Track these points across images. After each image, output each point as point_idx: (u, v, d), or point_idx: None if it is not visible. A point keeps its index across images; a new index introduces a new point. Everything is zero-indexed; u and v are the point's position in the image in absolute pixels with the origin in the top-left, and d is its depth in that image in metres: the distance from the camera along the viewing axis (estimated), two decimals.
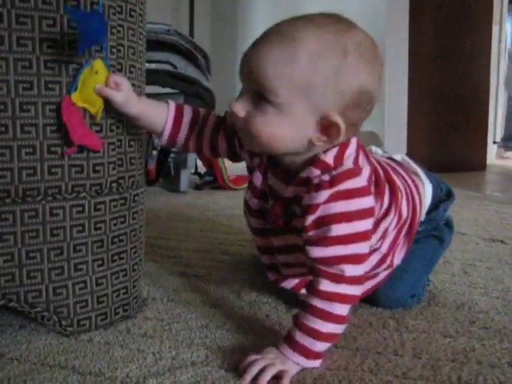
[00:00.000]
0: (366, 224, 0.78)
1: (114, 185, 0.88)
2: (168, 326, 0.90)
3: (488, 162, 3.48)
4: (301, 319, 0.77)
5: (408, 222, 0.95)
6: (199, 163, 2.52)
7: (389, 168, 0.93)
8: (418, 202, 0.97)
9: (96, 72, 0.79)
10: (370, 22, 2.97)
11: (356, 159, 0.80)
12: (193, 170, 2.47)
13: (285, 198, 0.84)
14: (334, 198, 0.76)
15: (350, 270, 0.76)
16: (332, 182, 0.76)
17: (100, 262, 0.87)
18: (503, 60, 3.74)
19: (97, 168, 0.85)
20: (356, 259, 0.78)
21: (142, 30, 0.93)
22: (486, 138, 3.47)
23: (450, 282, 1.13)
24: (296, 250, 0.86)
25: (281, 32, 0.74)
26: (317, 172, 0.77)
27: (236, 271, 1.20)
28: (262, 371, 0.72)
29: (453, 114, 3.24)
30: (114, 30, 0.85)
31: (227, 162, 2.47)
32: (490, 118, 3.50)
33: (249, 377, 0.72)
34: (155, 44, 2.12)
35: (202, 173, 2.51)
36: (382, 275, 0.97)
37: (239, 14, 4.46)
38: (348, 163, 0.78)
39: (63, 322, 0.84)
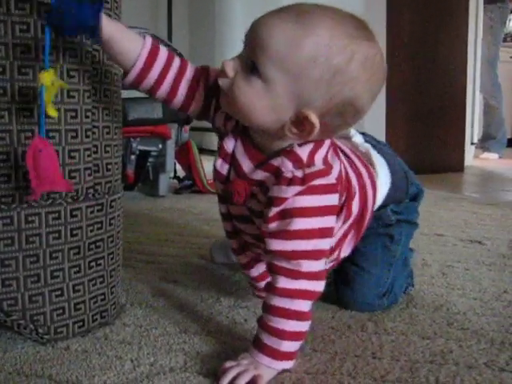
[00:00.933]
0: (329, 220, 0.78)
1: (91, 191, 0.87)
2: (146, 332, 0.89)
3: (466, 164, 3.52)
4: (264, 320, 0.77)
5: (357, 217, 0.92)
6: (178, 167, 2.51)
7: (348, 165, 0.89)
8: (370, 196, 0.93)
9: (52, 83, 0.73)
10: None
11: (325, 158, 0.79)
12: (172, 174, 2.46)
13: (249, 179, 0.81)
14: (300, 193, 0.75)
15: (307, 265, 0.76)
16: (304, 180, 0.75)
17: (77, 268, 0.86)
18: (478, 63, 3.78)
19: (72, 174, 0.84)
20: (316, 255, 0.77)
21: None
22: (464, 140, 3.51)
23: (428, 284, 1.14)
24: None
25: (300, 13, 0.72)
26: (289, 165, 0.76)
27: (215, 276, 1.20)
28: (236, 378, 0.72)
29: (430, 115, 3.26)
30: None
31: (206, 167, 2.46)
32: (467, 119, 3.53)
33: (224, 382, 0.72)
34: None
35: (181, 177, 2.50)
36: (327, 266, 0.95)
37: (217, 19, 4.46)
38: (319, 163, 0.77)
39: (40, 330, 0.83)
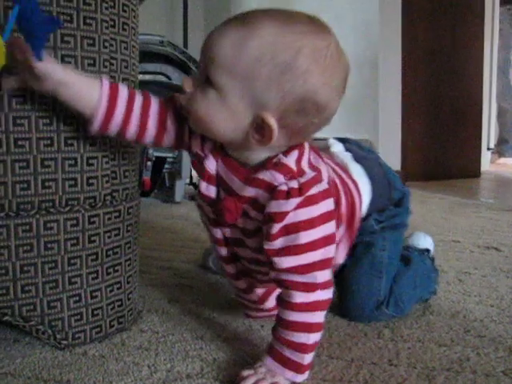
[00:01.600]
0: (331, 226, 0.77)
1: (108, 198, 0.88)
2: (163, 339, 0.90)
3: (482, 169, 3.50)
4: (285, 336, 0.76)
5: (348, 221, 0.91)
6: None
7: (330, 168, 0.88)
8: (357, 198, 0.92)
9: None
10: (364, 31, 3.00)
11: (310, 162, 0.77)
12: (187, 181, 2.47)
13: (240, 197, 0.77)
14: (300, 205, 0.73)
15: (321, 275, 0.75)
16: (301, 190, 0.73)
17: (94, 274, 0.87)
18: (495, 69, 3.76)
19: (90, 181, 0.85)
20: (326, 263, 0.76)
21: (134, 43, 0.94)
22: (480, 145, 3.49)
23: (445, 291, 1.14)
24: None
25: (242, 19, 0.71)
26: (280, 177, 0.73)
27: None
28: None
29: (447, 121, 3.25)
30: (107, 44, 0.85)
31: None
32: (483, 124, 3.51)
33: None
34: (149, 55, 2.13)
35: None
36: None
37: None
38: (308, 170, 0.75)
39: (58, 336, 0.84)
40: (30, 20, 0.68)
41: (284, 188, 0.73)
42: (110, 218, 0.88)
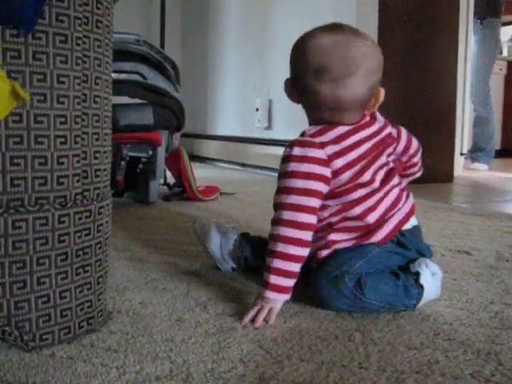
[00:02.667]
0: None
1: (79, 197, 0.87)
2: (132, 340, 0.89)
3: (455, 174, 3.53)
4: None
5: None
6: (168, 174, 2.51)
7: None
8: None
9: None
10: None
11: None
12: (162, 181, 2.46)
13: None
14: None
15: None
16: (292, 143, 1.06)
17: (64, 275, 0.86)
18: (468, 76, 3.81)
19: (61, 180, 0.84)
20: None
21: (108, 42, 0.93)
22: (454, 150, 3.52)
23: None
24: None
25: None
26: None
27: (203, 283, 1.19)
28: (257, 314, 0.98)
29: (420, 126, 3.27)
30: (80, 41, 0.84)
31: (196, 173, 2.46)
32: (457, 130, 3.55)
33: (247, 318, 0.98)
34: (124, 54, 2.11)
35: (171, 183, 2.50)
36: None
37: (210, 27, 4.48)
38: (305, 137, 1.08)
39: (25, 337, 0.83)
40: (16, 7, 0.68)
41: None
42: (80, 218, 0.87)
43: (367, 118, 1.12)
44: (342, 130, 1.06)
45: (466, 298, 1.13)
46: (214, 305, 1.06)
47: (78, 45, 0.83)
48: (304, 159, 1.03)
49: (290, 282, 1.02)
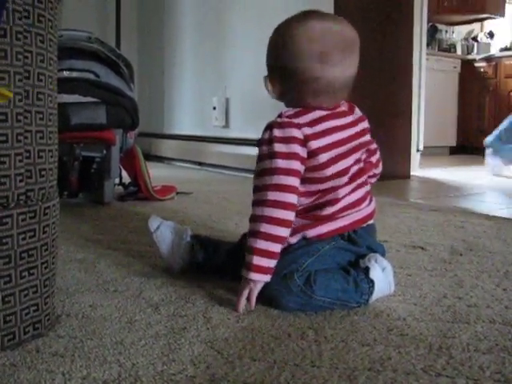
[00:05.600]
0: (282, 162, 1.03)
1: (22, 197, 0.84)
2: (80, 344, 0.86)
3: (412, 171, 3.58)
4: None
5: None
6: (124, 174, 2.47)
7: None
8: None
9: None
10: None
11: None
12: (117, 181, 2.41)
13: None
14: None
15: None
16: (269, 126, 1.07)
17: (7, 278, 0.82)
18: (423, 72, 3.85)
19: (2, 180, 0.81)
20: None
21: (52, 37, 0.90)
22: (410, 147, 3.57)
23: None
24: None
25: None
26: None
27: (155, 284, 1.17)
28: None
29: (376, 124, 3.30)
30: (20, 36, 0.81)
31: (153, 172, 2.43)
32: (413, 127, 3.59)
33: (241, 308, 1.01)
34: (76, 52, 2.06)
35: (126, 183, 2.46)
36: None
37: (166, 25, 4.43)
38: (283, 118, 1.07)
39: None
40: None
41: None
42: (24, 219, 0.84)
43: (343, 108, 1.13)
44: (318, 113, 1.07)
45: (420, 293, 1.13)
46: (165, 306, 1.04)
47: (18, 39, 0.80)
48: (287, 140, 1.03)
49: (272, 263, 1.02)
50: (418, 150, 3.92)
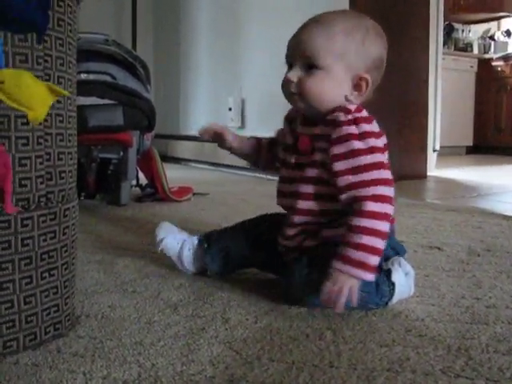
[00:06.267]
0: (383, 157, 1.00)
1: (43, 199, 0.85)
2: (100, 344, 0.87)
3: (429, 170, 3.56)
4: (355, 240, 0.94)
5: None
6: (140, 175, 2.48)
7: None
8: None
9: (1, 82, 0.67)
10: None
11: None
12: (134, 183, 2.43)
13: (312, 135, 1.06)
14: (356, 138, 0.99)
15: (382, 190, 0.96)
16: (354, 121, 1.00)
17: (28, 279, 0.84)
18: (440, 71, 3.83)
19: (23, 182, 0.82)
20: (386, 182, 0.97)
21: (71, 40, 0.91)
22: (426, 147, 3.55)
23: None
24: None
25: (318, 20, 1.04)
26: (341, 114, 1.00)
27: (173, 285, 1.18)
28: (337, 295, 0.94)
29: (393, 124, 3.29)
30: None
31: (170, 174, 2.44)
32: (429, 126, 3.57)
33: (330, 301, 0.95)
34: (93, 54, 2.08)
35: (143, 185, 2.47)
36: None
37: (182, 26, 4.45)
38: (364, 113, 1.03)
39: None
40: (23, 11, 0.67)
41: (342, 119, 1.00)
42: (44, 221, 0.85)
43: None
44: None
45: (438, 294, 1.13)
46: (184, 306, 1.04)
47: (38, 43, 0.81)
48: (378, 134, 1.03)
49: (376, 261, 0.96)
50: (434, 150, 3.90)
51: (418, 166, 3.47)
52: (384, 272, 1.05)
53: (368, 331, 0.93)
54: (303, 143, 1.07)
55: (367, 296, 1.01)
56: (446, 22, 6.13)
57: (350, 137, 0.99)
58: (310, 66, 1.02)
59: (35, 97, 0.70)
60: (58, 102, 0.87)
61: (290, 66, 1.05)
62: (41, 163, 0.84)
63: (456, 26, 6.77)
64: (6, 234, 0.80)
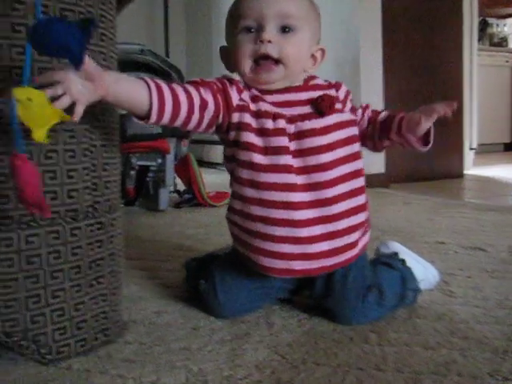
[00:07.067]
0: None
1: (90, 209, 0.87)
2: (149, 350, 0.89)
3: (465, 169, 3.52)
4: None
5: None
6: (178, 181, 2.51)
7: None
8: None
9: (29, 99, 0.70)
10: (344, 31, 3.01)
11: None
12: (172, 189, 2.46)
13: (301, 101, 0.96)
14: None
15: None
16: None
17: (78, 287, 0.86)
18: (475, 69, 3.79)
19: (71, 194, 0.84)
20: None
21: (112, 54, 0.93)
22: (463, 145, 3.52)
23: (431, 293, 1.14)
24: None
25: None
26: (320, 80, 1.01)
27: None
28: None
29: None
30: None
31: (205, 179, 2.46)
32: (465, 125, 3.54)
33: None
34: (129, 64, 2.12)
35: (181, 191, 2.50)
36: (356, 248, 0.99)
37: (214, 32, 4.48)
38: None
39: (42, 351, 0.83)
40: (60, 36, 0.69)
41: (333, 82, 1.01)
42: (92, 230, 0.88)
43: None
44: None
45: (481, 296, 1.12)
46: None
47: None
48: None
49: None
50: (471, 148, 3.85)
51: (454, 165, 3.44)
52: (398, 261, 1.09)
53: (412, 333, 0.93)
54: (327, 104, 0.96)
55: (404, 287, 1.04)
56: (480, 18, 6.04)
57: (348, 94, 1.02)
58: (285, 28, 0.95)
59: (45, 117, 0.73)
60: (103, 114, 0.89)
61: (250, 30, 0.95)
62: (87, 174, 0.87)
63: (490, 20, 6.66)
64: (57, 244, 0.82)
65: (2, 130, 0.77)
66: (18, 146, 0.71)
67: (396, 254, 1.12)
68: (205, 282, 1.06)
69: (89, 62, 0.75)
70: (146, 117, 0.88)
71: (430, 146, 1.01)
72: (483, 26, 6.45)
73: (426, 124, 0.98)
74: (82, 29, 0.71)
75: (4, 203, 0.78)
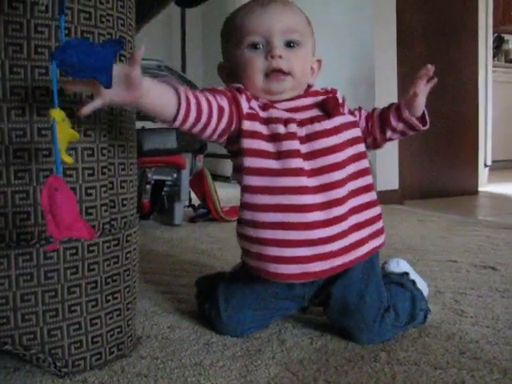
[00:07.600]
0: None
1: (107, 226, 0.90)
2: (162, 365, 0.91)
3: (480, 186, 3.51)
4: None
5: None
6: (193, 196, 2.54)
7: None
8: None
9: (63, 120, 0.73)
10: (359, 51, 3.02)
11: None
12: (187, 203, 2.49)
13: (307, 106, 1.00)
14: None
15: None
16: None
17: (94, 302, 0.88)
18: (490, 84, 3.79)
19: (89, 211, 0.87)
20: None
21: None
22: (477, 162, 3.51)
23: (441, 312, 1.14)
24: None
25: (276, 1, 1.01)
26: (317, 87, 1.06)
27: None
28: None
29: (443, 139, 3.27)
30: None
31: (220, 193, 2.49)
32: (479, 141, 3.53)
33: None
34: None
35: (196, 205, 2.53)
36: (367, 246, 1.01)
37: None
38: None
39: (58, 363, 0.85)
40: (88, 57, 0.71)
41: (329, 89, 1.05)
42: (108, 247, 0.90)
43: None
44: None
45: (492, 316, 1.13)
46: None
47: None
48: None
49: None
50: (485, 165, 3.84)
51: (469, 182, 3.44)
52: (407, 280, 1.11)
53: (422, 353, 0.94)
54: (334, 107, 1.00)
55: (413, 305, 1.05)
56: (496, 34, 6.04)
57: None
58: (291, 43, 1.00)
59: (68, 138, 0.75)
60: (121, 133, 0.92)
61: (256, 46, 0.99)
62: (105, 192, 0.89)
63: (506, 37, 6.66)
64: (74, 260, 0.85)
65: (23, 149, 0.80)
66: (58, 170, 0.72)
67: (407, 274, 1.13)
68: (210, 303, 1.07)
69: (137, 68, 0.78)
70: (170, 121, 0.90)
71: (428, 125, 1.10)
72: (499, 42, 6.45)
73: (421, 91, 1.06)
74: (109, 49, 0.74)
75: (24, 219, 0.80)
